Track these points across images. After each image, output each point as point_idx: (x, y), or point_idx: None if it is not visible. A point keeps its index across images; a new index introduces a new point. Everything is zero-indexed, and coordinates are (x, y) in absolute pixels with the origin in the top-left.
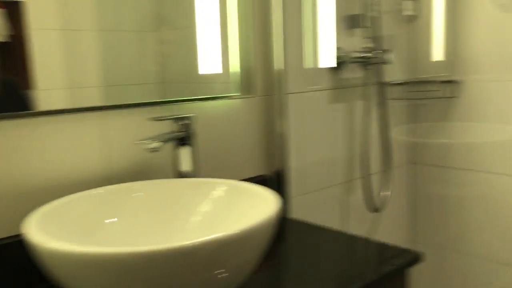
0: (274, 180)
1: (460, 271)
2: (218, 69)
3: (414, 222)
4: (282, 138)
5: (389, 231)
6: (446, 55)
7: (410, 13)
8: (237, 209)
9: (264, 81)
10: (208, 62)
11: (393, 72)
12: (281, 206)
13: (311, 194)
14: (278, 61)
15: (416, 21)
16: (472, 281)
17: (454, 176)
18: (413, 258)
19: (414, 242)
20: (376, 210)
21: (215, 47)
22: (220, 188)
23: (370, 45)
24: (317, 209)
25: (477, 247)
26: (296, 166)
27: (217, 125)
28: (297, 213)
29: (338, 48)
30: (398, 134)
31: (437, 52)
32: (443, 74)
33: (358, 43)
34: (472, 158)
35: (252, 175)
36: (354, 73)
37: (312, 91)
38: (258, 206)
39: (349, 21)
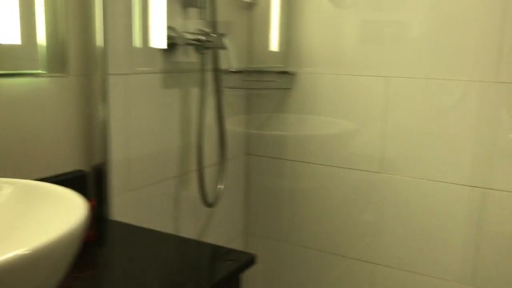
0: (93, 176)
1: (294, 263)
2: (16, 39)
3: (249, 215)
4: (103, 126)
5: (224, 225)
6: (282, 45)
7: (248, 0)
8: (30, 217)
9: (81, 59)
10: (1, 28)
11: (230, 60)
12: (89, 211)
13: (140, 190)
14: (99, 36)
15: (254, 9)
16: (306, 272)
17: (288, 168)
18: (247, 261)
19: (249, 235)
20: (210, 204)
21: (10, 10)
22: (6, 190)
23: (206, 28)
24: (147, 206)
25: (311, 238)
26: (120, 158)
27: (15, 110)
28: (122, 213)
29: (170, 28)
30: (233, 125)
31: (274, 42)
32: (278, 65)
33: (193, 24)
34: (305, 150)
35: (65, 170)
36: (189, 57)
37: (141, 73)
38: (59, 213)
39: None
